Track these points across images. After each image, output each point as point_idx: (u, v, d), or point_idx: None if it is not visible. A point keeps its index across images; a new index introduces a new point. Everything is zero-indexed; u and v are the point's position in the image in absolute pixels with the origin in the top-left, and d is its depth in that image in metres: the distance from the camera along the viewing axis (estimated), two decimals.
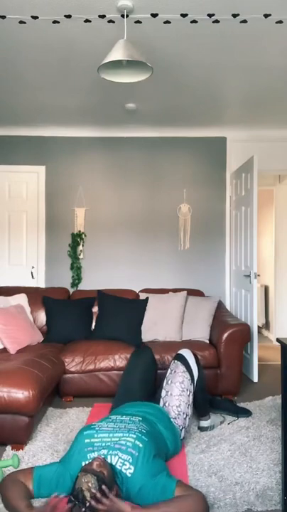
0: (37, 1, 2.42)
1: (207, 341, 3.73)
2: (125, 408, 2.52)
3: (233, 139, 4.88)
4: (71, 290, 4.83)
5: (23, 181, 4.87)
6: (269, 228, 6.26)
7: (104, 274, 4.87)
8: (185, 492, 1.80)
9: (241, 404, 3.27)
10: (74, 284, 4.82)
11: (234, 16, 2.55)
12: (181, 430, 2.49)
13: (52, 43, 2.89)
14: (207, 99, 3.94)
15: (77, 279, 4.81)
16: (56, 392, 3.45)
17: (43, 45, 2.92)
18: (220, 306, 4.17)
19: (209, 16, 2.55)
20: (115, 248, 4.87)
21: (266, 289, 6.30)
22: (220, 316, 3.85)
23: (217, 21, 2.61)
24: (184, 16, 2.56)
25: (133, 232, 4.88)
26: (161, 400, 2.58)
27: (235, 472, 2.25)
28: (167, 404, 2.54)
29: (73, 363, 3.38)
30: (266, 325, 6.27)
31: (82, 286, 4.85)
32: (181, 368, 2.64)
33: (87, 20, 2.61)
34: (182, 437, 2.49)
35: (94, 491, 1.71)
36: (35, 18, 2.58)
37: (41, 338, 3.75)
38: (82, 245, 4.83)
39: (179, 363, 2.67)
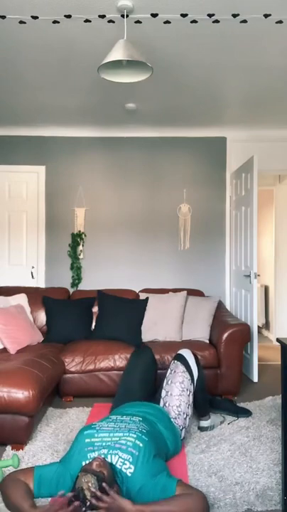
0: (37, 1, 2.42)
1: (207, 341, 3.73)
2: (125, 408, 2.52)
3: (233, 139, 4.88)
4: (71, 290, 4.83)
5: (23, 181, 4.87)
6: (269, 228, 6.26)
7: (104, 274, 4.87)
8: (186, 491, 1.80)
9: (241, 404, 3.27)
10: (74, 284, 4.82)
11: (234, 16, 2.55)
12: (181, 430, 2.49)
13: (52, 43, 2.89)
14: (207, 99, 3.94)
15: (77, 279, 4.81)
16: (56, 392, 3.45)
17: (43, 45, 2.92)
18: (220, 306, 4.17)
19: (209, 16, 2.55)
20: (115, 248, 4.87)
21: (266, 289, 6.30)
22: (220, 316, 3.85)
23: (217, 21, 2.61)
24: (184, 16, 2.56)
25: (133, 232, 4.88)
26: (161, 400, 2.59)
27: (235, 472, 2.25)
28: (167, 405, 2.54)
29: (73, 363, 3.38)
30: (266, 325, 6.27)
31: (82, 286, 4.85)
32: (181, 368, 2.64)
33: (87, 20, 2.61)
34: (182, 437, 2.49)
35: (94, 490, 1.72)
36: (35, 18, 2.58)
37: (41, 338, 3.75)
38: (82, 245, 4.83)
39: (179, 363, 2.67)
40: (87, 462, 1.93)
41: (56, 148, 4.87)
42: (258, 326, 6.44)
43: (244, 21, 2.61)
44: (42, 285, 4.84)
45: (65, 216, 4.86)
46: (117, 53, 2.34)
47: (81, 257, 4.82)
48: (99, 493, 1.70)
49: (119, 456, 1.94)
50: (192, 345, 3.56)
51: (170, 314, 3.87)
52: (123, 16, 2.54)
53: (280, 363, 3.78)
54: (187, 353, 2.73)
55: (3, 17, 2.57)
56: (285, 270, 5.58)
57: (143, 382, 2.84)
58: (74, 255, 4.80)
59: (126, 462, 1.91)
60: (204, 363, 3.37)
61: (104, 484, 1.74)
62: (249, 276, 4.12)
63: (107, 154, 4.89)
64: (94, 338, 3.79)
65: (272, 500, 2.00)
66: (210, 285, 4.88)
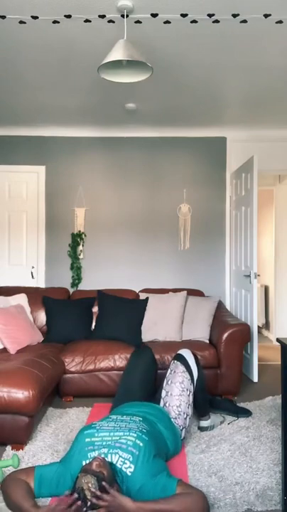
0: (37, 1, 2.42)
1: (207, 341, 3.73)
2: (125, 408, 2.52)
3: (233, 139, 4.88)
4: (71, 290, 4.83)
5: (23, 181, 4.87)
6: (269, 228, 6.26)
7: (104, 274, 4.87)
8: (186, 491, 1.81)
9: (241, 404, 3.27)
10: (74, 284, 4.82)
11: (234, 16, 2.55)
12: (181, 430, 2.49)
13: (52, 43, 2.89)
14: (207, 99, 3.94)
15: (77, 279, 4.81)
16: (56, 392, 3.45)
17: (43, 45, 2.92)
18: (220, 306, 4.17)
19: (209, 16, 2.55)
20: (115, 248, 4.87)
21: (266, 289, 6.30)
22: (220, 316, 3.85)
23: (217, 21, 2.61)
24: (184, 16, 2.56)
25: (133, 232, 4.88)
26: (161, 401, 2.59)
27: (235, 472, 2.25)
28: (167, 405, 2.54)
29: (73, 363, 3.38)
30: (266, 325, 6.27)
31: (82, 286, 4.85)
32: (181, 368, 2.64)
33: (87, 20, 2.61)
34: (182, 437, 2.49)
35: (94, 490, 1.72)
36: (35, 18, 2.58)
37: (41, 338, 3.75)
38: (82, 245, 4.83)
39: (178, 363, 2.67)
40: (88, 462, 1.93)
41: (56, 148, 4.87)
42: (258, 326, 6.44)
43: (244, 21, 2.61)
44: (42, 285, 4.84)
45: (65, 216, 4.86)
46: (117, 53, 2.34)
47: (81, 257, 4.82)
48: (99, 493, 1.71)
49: (119, 456, 1.94)
50: (192, 345, 3.56)
51: (170, 314, 3.87)
52: (123, 16, 2.54)
53: (280, 363, 3.78)
54: (186, 353, 2.73)
55: (3, 17, 2.57)
56: (285, 270, 5.58)
57: (143, 382, 2.84)
58: (74, 255, 4.80)
59: (126, 461, 1.92)
60: (204, 363, 3.37)
61: (103, 483, 1.74)
62: (249, 276, 4.12)
63: (107, 154, 4.89)
64: (94, 338, 3.79)
65: (272, 500, 2.00)
66: (210, 285, 4.88)
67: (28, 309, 3.97)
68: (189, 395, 2.57)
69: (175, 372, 2.64)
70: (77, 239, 4.80)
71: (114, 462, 1.93)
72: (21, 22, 2.63)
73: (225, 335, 3.43)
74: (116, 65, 2.54)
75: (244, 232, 4.35)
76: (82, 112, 4.30)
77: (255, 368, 3.95)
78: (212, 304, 3.89)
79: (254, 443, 2.60)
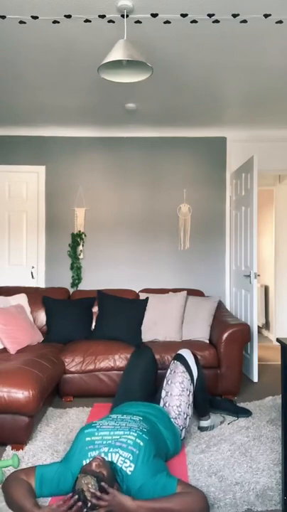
0: (37, 1, 2.42)
1: (207, 341, 3.73)
2: (125, 407, 2.52)
3: (233, 139, 4.88)
4: (71, 290, 4.83)
5: (23, 181, 4.87)
6: (269, 228, 6.26)
7: (104, 274, 4.87)
8: (186, 490, 1.81)
9: (241, 404, 3.27)
10: (74, 284, 4.82)
11: (234, 16, 2.55)
12: (181, 430, 2.49)
13: (52, 43, 2.89)
14: (207, 99, 3.94)
15: (77, 279, 4.81)
16: (56, 392, 3.45)
17: (43, 45, 2.92)
18: (220, 306, 4.17)
19: (209, 16, 2.55)
20: (115, 248, 4.87)
21: (266, 289, 6.30)
22: (220, 316, 3.85)
23: (217, 21, 2.61)
24: (184, 16, 2.56)
25: (133, 232, 4.88)
26: (161, 401, 2.59)
27: (235, 472, 2.25)
28: (167, 405, 2.54)
29: (73, 363, 3.38)
30: (266, 325, 6.27)
31: (82, 286, 4.85)
32: (181, 368, 2.64)
33: (87, 20, 2.61)
34: (182, 437, 2.49)
35: (93, 490, 1.72)
36: (35, 18, 2.58)
37: (41, 338, 3.75)
38: (82, 245, 4.83)
39: (178, 363, 2.67)
40: (88, 461, 1.93)
41: (56, 148, 4.87)
42: (258, 326, 6.44)
43: (244, 21, 2.61)
44: (42, 285, 4.84)
45: (65, 216, 4.86)
46: (117, 53, 2.34)
47: (81, 257, 4.82)
48: (98, 494, 1.71)
49: (120, 455, 1.94)
50: (192, 345, 3.56)
51: (170, 314, 3.87)
52: (123, 16, 2.54)
53: (280, 363, 3.78)
54: (186, 353, 2.73)
55: (3, 17, 2.57)
56: (285, 270, 5.58)
57: (143, 382, 2.84)
58: (74, 255, 4.80)
59: (126, 460, 1.92)
60: (204, 363, 3.37)
61: (103, 484, 1.74)
62: (249, 276, 4.12)
63: (107, 154, 4.89)
64: (94, 338, 3.79)
65: (272, 500, 2.01)
66: (210, 285, 4.88)
67: (28, 309, 3.97)
68: (189, 395, 2.57)
69: (175, 372, 2.64)
70: (77, 239, 4.80)
71: (114, 461, 1.93)
72: (21, 22, 2.63)
73: (225, 335, 3.43)
74: (116, 65, 2.54)
75: (244, 232, 4.35)
76: (82, 112, 4.30)
77: (255, 368, 3.95)
78: (212, 304, 3.89)
79: (254, 443, 2.60)
